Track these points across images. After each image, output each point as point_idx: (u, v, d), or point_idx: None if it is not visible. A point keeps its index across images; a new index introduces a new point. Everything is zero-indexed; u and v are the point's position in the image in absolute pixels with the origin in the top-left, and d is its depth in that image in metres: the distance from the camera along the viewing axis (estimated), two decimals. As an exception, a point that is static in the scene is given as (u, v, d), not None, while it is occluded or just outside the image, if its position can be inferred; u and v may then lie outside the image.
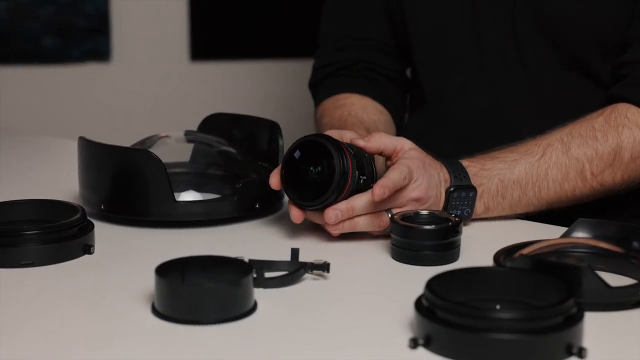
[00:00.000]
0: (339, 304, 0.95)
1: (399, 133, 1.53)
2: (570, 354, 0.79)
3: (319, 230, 1.15)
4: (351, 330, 0.87)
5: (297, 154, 1.11)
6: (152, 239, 1.16)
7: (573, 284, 0.87)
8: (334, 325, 0.89)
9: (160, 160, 1.17)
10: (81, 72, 2.73)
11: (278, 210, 1.28)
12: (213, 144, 1.35)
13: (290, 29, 2.86)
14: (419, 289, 0.85)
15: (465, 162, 1.21)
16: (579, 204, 1.25)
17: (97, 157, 1.21)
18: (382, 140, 1.15)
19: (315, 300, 0.96)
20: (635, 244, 1.02)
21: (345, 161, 1.08)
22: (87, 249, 1.08)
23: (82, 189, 1.24)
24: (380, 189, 1.08)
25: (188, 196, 1.23)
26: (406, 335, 0.83)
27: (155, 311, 0.89)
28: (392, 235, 1.08)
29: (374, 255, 1.10)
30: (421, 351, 0.81)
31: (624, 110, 1.26)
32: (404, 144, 1.17)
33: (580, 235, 1.06)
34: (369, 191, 1.10)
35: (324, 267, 1.00)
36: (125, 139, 1.35)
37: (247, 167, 1.31)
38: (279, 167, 1.13)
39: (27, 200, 1.16)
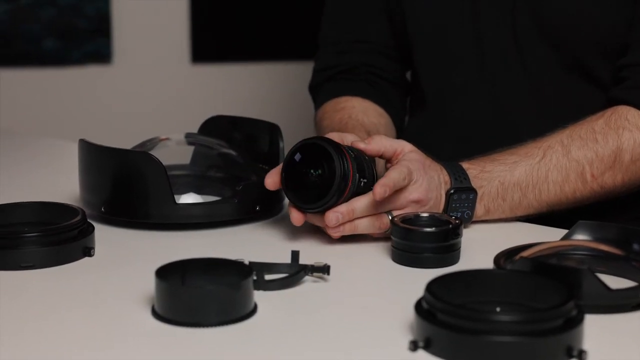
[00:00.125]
0: (339, 307, 0.95)
1: (399, 135, 1.53)
2: (571, 356, 0.79)
3: (320, 233, 1.15)
4: (351, 333, 0.87)
5: (297, 156, 1.11)
6: (152, 241, 1.17)
7: (573, 286, 0.87)
8: (334, 327, 0.89)
9: (161, 163, 1.17)
10: (82, 74, 2.74)
11: (278, 213, 1.28)
12: (213, 147, 1.35)
13: (291, 31, 2.86)
14: (419, 292, 0.85)
15: (465, 165, 1.21)
16: (580, 206, 1.25)
17: (97, 159, 1.21)
18: (383, 143, 1.16)
19: (316, 303, 0.96)
20: (635, 246, 1.02)
21: (346, 164, 1.08)
22: (88, 252, 1.08)
23: (83, 192, 1.24)
24: (381, 188, 1.08)
25: (188, 198, 1.23)
26: (406, 338, 0.83)
27: (156, 313, 0.89)
28: (392, 237, 1.08)
29: (374, 258, 1.10)
30: (421, 354, 0.81)
31: (624, 113, 1.26)
32: (404, 147, 1.17)
33: (581, 237, 1.06)
34: (369, 193, 1.10)
35: (324, 269, 1.00)
36: (126, 142, 1.35)
37: (247, 170, 1.31)
38: (276, 168, 1.13)
39: (28, 202, 1.16)
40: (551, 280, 0.86)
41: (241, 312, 0.89)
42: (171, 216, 1.19)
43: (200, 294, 0.88)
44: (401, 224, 1.07)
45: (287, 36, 2.88)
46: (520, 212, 1.23)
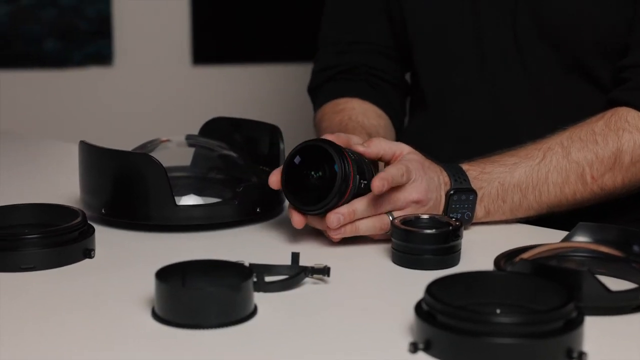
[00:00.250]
0: (339, 308, 0.95)
1: (398, 136, 1.53)
2: (571, 358, 0.79)
3: (320, 235, 1.15)
4: (351, 335, 0.87)
5: (297, 159, 1.11)
6: (152, 243, 1.17)
7: (573, 288, 0.87)
8: (334, 329, 0.89)
9: (161, 165, 1.17)
10: (83, 75, 2.74)
11: (279, 214, 1.28)
12: (214, 148, 1.35)
13: (292, 32, 2.86)
14: (419, 293, 0.85)
15: (464, 166, 1.21)
16: (580, 208, 1.25)
17: (98, 161, 1.22)
18: (382, 146, 1.16)
19: (316, 305, 0.96)
20: (635, 248, 1.02)
21: (347, 165, 1.08)
22: (88, 253, 1.08)
23: (83, 193, 1.24)
24: (379, 181, 1.08)
25: (189, 200, 1.23)
26: (406, 340, 0.83)
27: (156, 315, 0.89)
28: (392, 239, 1.08)
29: (375, 259, 1.10)
30: (421, 355, 0.81)
31: (625, 114, 1.26)
32: (403, 149, 1.17)
33: (581, 239, 1.06)
34: (370, 194, 1.10)
35: (325, 271, 1.00)
36: (127, 143, 1.35)
37: (248, 171, 1.31)
38: (280, 167, 1.13)
39: (28, 204, 1.16)
40: (551, 282, 0.86)
41: (241, 313, 0.89)
42: (171, 218, 1.19)
43: (200, 296, 0.88)
44: (401, 226, 1.07)
45: (288, 38, 2.88)
46: (520, 214, 1.23)
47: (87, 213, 1.15)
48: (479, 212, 1.20)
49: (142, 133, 1.66)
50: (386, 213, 1.12)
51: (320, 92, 1.57)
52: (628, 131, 1.24)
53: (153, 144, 1.33)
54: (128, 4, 2.73)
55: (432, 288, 0.83)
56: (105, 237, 1.15)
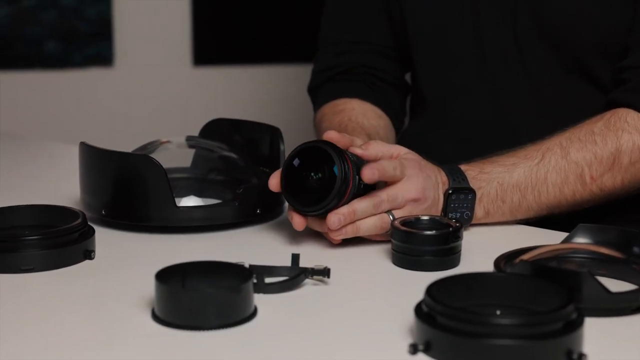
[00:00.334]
0: (339, 310, 0.95)
1: (398, 137, 1.53)
2: (571, 359, 0.79)
3: (320, 236, 1.15)
4: (351, 336, 0.88)
5: (296, 161, 1.11)
6: (152, 244, 1.17)
7: (573, 289, 0.87)
8: (334, 330, 0.89)
9: (161, 166, 1.17)
10: (83, 76, 2.74)
11: (279, 216, 1.28)
12: (214, 149, 1.35)
13: (292, 33, 2.86)
14: (419, 295, 0.85)
15: (463, 167, 1.21)
16: (579, 209, 1.25)
17: (98, 162, 1.22)
18: (379, 148, 1.15)
19: (316, 306, 0.96)
20: (635, 249, 1.02)
21: (346, 166, 1.08)
22: (88, 255, 1.08)
23: (83, 194, 1.24)
24: (369, 170, 1.08)
25: (189, 201, 1.23)
26: (406, 341, 0.83)
27: (156, 316, 0.89)
28: (392, 240, 1.08)
29: (375, 261, 1.10)
30: (421, 357, 0.81)
31: (624, 115, 1.26)
32: (400, 150, 1.17)
33: (581, 240, 1.06)
34: (370, 194, 1.10)
35: (325, 272, 1.00)
36: (127, 144, 1.36)
37: (248, 173, 1.31)
38: (279, 170, 1.13)
39: (28, 205, 1.16)
40: (551, 283, 0.86)
41: (241, 315, 0.89)
42: (172, 219, 1.19)
43: (200, 297, 0.88)
44: (402, 227, 1.07)
45: (289, 39, 2.88)
46: (520, 215, 1.23)
47: (87, 214, 1.15)
48: (479, 212, 1.20)
49: (143, 134, 1.67)
50: (386, 212, 1.12)
51: (320, 92, 1.57)
52: (627, 132, 1.24)
53: (153, 145, 1.33)
54: (128, 5, 2.73)
55: (432, 289, 0.83)
56: (105, 238, 1.15)
